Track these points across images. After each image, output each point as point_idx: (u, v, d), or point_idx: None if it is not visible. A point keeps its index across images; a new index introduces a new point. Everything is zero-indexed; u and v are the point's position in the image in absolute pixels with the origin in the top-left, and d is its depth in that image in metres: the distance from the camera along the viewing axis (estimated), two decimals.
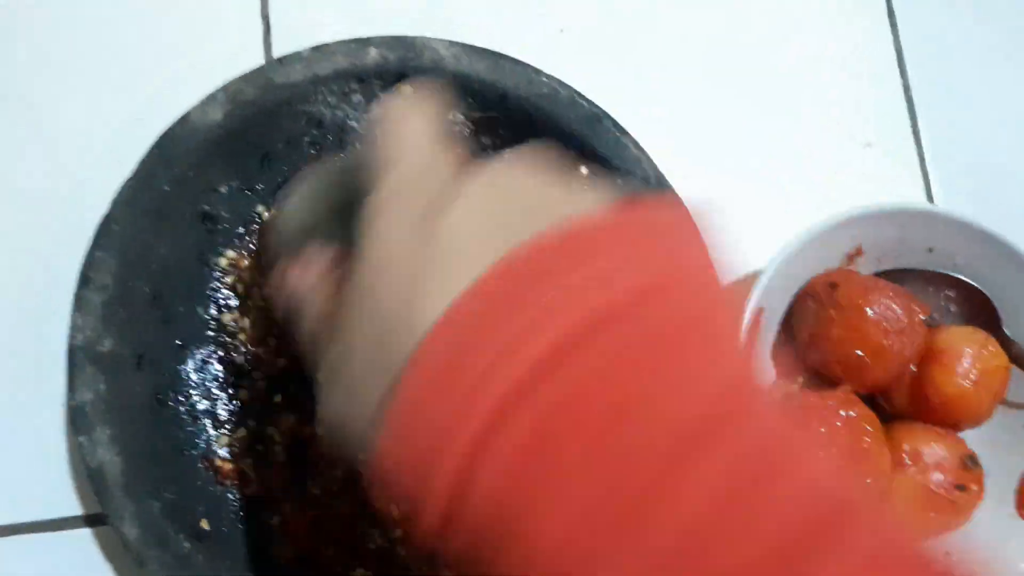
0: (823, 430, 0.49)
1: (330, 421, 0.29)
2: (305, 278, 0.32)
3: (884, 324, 0.50)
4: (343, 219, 0.32)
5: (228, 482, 0.46)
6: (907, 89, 0.61)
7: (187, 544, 0.43)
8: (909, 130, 0.61)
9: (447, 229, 0.26)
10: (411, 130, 0.29)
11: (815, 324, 0.51)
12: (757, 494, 0.23)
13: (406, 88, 0.30)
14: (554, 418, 0.23)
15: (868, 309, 0.50)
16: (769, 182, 0.59)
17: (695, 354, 0.25)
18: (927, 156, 0.61)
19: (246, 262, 0.48)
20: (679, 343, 0.25)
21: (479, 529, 0.24)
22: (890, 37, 0.61)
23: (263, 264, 0.40)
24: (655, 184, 0.48)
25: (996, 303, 0.52)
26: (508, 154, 0.30)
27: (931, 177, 0.60)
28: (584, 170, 0.48)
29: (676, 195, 0.46)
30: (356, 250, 0.28)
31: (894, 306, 0.50)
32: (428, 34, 0.49)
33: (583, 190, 0.28)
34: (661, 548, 0.22)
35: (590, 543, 0.23)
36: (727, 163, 0.58)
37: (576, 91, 0.48)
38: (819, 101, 0.60)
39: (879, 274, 0.54)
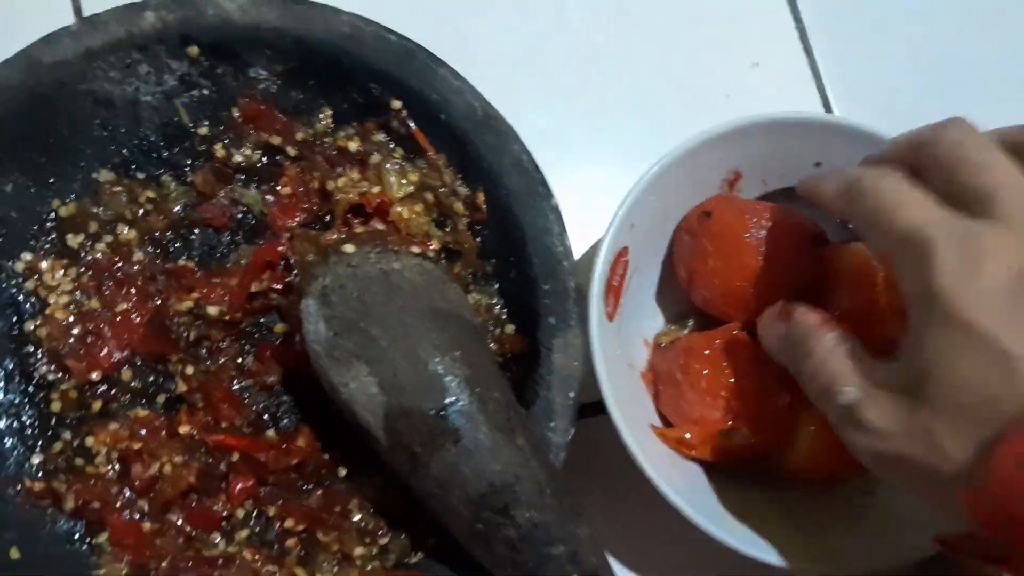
0: (706, 372, 0.44)
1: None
2: (808, 318, 0.38)
3: (764, 248, 0.44)
4: None
5: (43, 503, 0.42)
6: (795, 8, 0.56)
7: None
8: (800, 48, 0.55)
9: None
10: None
11: (692, 259, 0.46)
12: None
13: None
14: None
15: (745, 235, 0.45)
16: (651, 109, 0.54)
17: None
18: (822, 72, 0.55)
19: (44, 264, 0.44)
20: None
21: None
22: None
23: None
24: (481, 113, 0.43)
25: None
26: None
27: (828, 93, 0.55)
28: (397, 104, 0.44)
29: None
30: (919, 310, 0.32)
31: (775, 227, 0.45)
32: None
33: None
34: None
35: None
36: (601, 92, 0.54)
37: (383, 26, 0.43)
38: (702, 24, 0.56)
39: (766, 196, 0.48)
